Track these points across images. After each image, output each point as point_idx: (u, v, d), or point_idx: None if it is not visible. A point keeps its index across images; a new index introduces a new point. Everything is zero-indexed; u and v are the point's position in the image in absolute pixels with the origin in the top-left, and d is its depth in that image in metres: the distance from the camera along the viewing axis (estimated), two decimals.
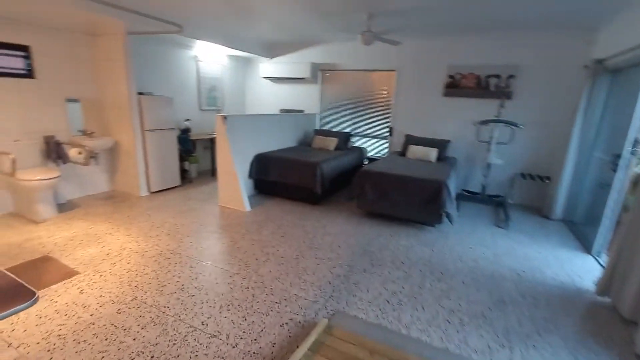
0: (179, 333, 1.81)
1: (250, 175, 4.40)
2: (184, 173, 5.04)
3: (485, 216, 4.05)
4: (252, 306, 2.08)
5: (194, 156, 5.19)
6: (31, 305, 1.04)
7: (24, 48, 3.47)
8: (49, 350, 1.65)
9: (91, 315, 1.93)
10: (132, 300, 2.09)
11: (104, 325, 1.85)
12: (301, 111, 6.05)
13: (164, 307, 2.04)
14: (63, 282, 2.25)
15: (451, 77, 4.77)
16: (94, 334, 1.78)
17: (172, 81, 5.08)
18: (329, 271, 2.56)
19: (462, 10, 3.43)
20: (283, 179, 4.22)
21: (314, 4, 3.47)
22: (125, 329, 1.82)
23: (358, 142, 5.72)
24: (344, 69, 5.59)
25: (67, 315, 1.91)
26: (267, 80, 6.36)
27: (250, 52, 5.70)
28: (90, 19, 3.62)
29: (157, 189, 4.43)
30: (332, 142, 5.16)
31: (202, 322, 1.91)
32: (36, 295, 1.05)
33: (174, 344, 1.73)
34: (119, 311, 1.97)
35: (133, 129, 4.05)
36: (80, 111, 4.01)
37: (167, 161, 4.53)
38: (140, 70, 4.52)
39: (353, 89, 5.66)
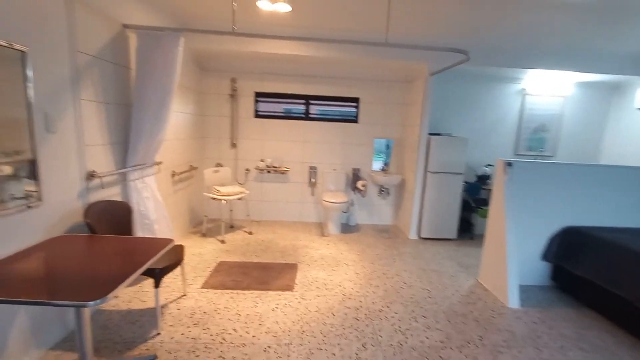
0: None
1: (546, 257, 2.84)
2: (466, 226, 4.24)
3: None
4: None
5: (485, 209, 4.22)
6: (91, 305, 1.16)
7: (355, 100, 4.43)
8: (209, 347, 1.89)
9: (253, 336, 2.01)
10: (285, 344, 1.95)
11: (244, 355, 1.85)
12: None
13: None
14: (278, 292, 2.56)
15: None
16: (233, 358, 1.81)
17: (482, 120, 4.44)
18: None
19: None
20: (604, 280, 2.32)
21: None
22: None
23: None
24: None
25: (245, 325, 2.12)
26: None
27: (621, 74, 3.76)
28: (402, 67, 3.99)
29: (427, 236, 4.03)
30: None
31: None
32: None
33: None
34: (267, 349, 1.90)
35: (416, 169, 3.96)
36: (390, 150, 4.47)
37: (446, 208, 3.99)
38: (445, 110, 4.36)
39: None
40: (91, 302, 1.18)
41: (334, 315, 2.28)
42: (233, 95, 4.28)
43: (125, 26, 2.46)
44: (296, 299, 2.47)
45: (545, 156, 4.54)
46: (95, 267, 1.48)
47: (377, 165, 4.52)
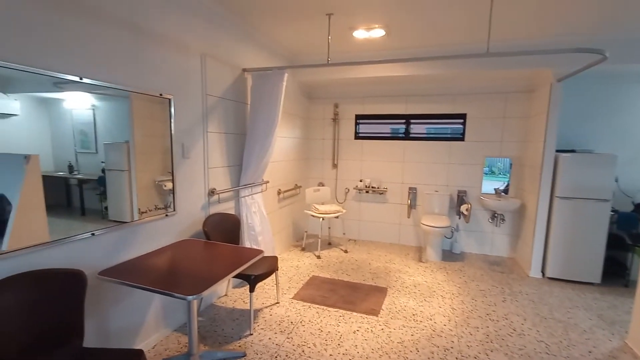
0: None
1: None
2: (616, 268, 3.27)
3: None
4: None
5: None
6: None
7: (462, 116, 4.08)
8: (289, 356, 2.02)
9: (330, 355, 2.04)
10: None
11: None
12: None
13: None
14: (362, 314, 2.53)
15: None
16: None
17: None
18: None
19: None
20: None
21: None
22: None
23: None
24: None
25: (325, 342, 2.17)
26: None
27: None
28: (519, 75, 3.52)
29: (555, 276, 3.28)
30: None
31: None
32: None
33: None
34: None
35: (539, 193, 3.33)
36: (506, 170, 3.91)
37: (584, 243, 3.19)
38: (582, 122, 3.57)
39: None
40: (189, 297, 1.46)
41: (418, 351, 2.10)
42: (335, 119, 4.55)
43: (244, 70, 2.98)
44: (380, 325, 2.39)
45: None
46: (203, 268, 1.81)
47: (488, 187, 3.99)
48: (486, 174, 4.00)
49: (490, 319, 2.51)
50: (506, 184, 3.94)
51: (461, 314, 2.57)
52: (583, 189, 3.15)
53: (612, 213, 3.20)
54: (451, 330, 2.35)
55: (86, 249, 1.70)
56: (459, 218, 4.09)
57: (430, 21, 2.71)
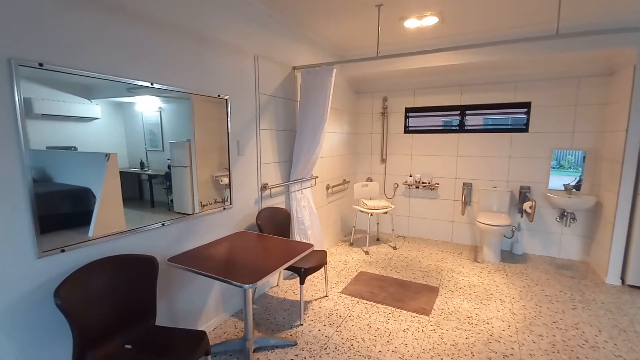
0: None
1: None
2: None
3: None
4: None
5: None
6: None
7: (526, 105, 3.74)
8: (338, 348, 2.05)
9: (379, 351, 2.02)
10: None
11: None
12: None
13: None
14: (412, 313, 2.47)
15: None
16: None
17: None
18: None
19: None
20: None
21: None
22: None
23: None
24: None
25: (373, 338, 2.16)
26: None
27: None
28: (595, 56, 3.12)
29: (638, 284, 2.88)
30: None
31: None
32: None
33: None
34: None
35: (619, 190, 2.94)
36: (583, 165, 3.51)
37: None
38: None
39: None
40: (246, 285, 1.55)
41: (473, 355, 2.00)
42: (384, 113, 4.46)
43: (294, 68, 3.04)
44: (431, 325, 2.32)
45: None
46: (257, 259, 1.91)
47: (557, 182, 3.61)
48: (554, 168, 3.62)
49: (557, 327, 2.30)
50: (578, 179, 3.54)
51: (523, 320, 2.38)
52: None
53: None
54: (511, 336, 2.19)
55: (157, 237, 1.89)
56: (521, 216, 3.77)
57: (490, 3, 2.51)
